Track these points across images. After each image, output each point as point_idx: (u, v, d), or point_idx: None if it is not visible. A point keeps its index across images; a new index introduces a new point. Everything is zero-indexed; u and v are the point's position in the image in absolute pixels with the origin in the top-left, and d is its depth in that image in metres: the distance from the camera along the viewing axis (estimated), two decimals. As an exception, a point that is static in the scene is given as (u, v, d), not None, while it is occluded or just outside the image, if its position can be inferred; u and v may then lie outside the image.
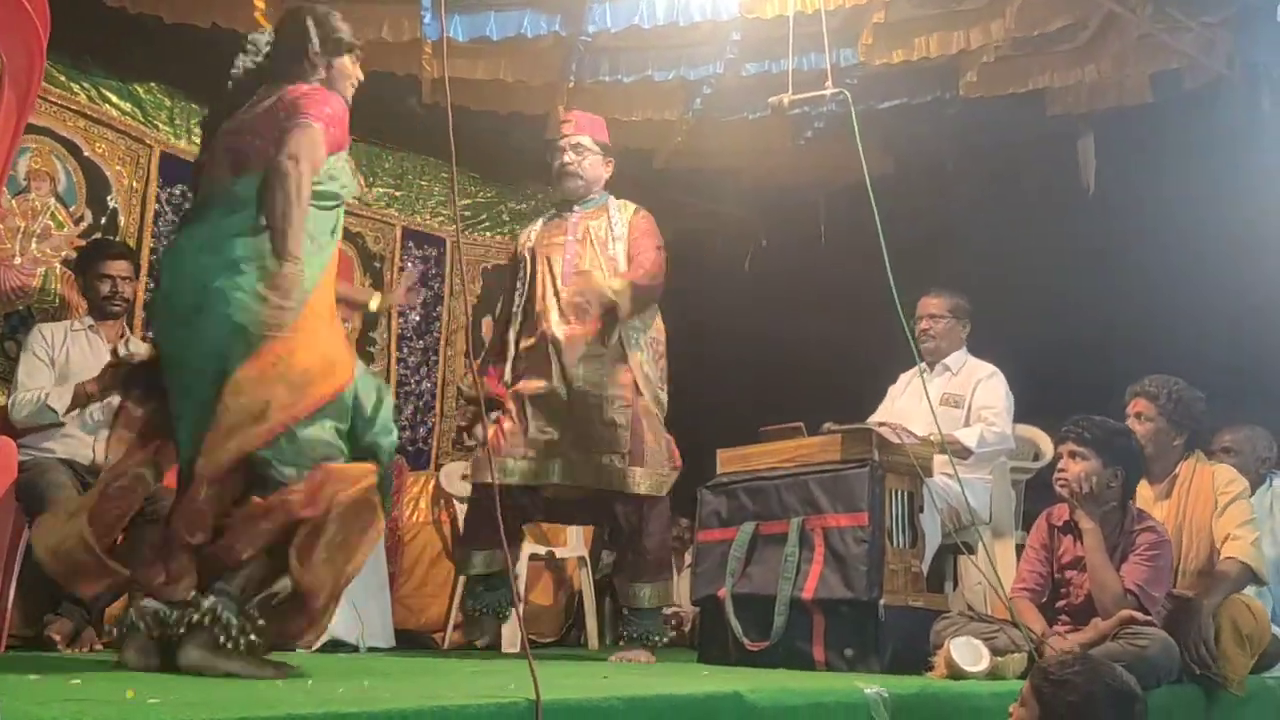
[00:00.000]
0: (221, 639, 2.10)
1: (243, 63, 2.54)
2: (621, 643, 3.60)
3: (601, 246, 3.56)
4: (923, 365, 3.85)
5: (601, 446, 3.38)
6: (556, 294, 3.52)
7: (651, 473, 3.41)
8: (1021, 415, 3.98)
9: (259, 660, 2.15)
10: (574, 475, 3.41)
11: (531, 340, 3.52)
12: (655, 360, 3.57)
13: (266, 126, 2.37)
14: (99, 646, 3.44)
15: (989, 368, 3.92)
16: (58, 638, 3.19)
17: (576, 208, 3.63)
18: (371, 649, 3.88)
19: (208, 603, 2.13)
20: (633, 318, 3.48)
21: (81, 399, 3.50)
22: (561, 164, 3.62)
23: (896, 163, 5.42)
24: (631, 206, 3.70)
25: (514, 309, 3.61)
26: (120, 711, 1.47)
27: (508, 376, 3.55)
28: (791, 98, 3.49)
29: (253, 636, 2.13)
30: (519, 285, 3.63)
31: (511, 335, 3.58)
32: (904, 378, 4.08)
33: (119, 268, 3.74)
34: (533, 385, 3.45)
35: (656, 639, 3.50)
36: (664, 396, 3.57)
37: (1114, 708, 2.07)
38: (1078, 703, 2.05)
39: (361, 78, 2.63)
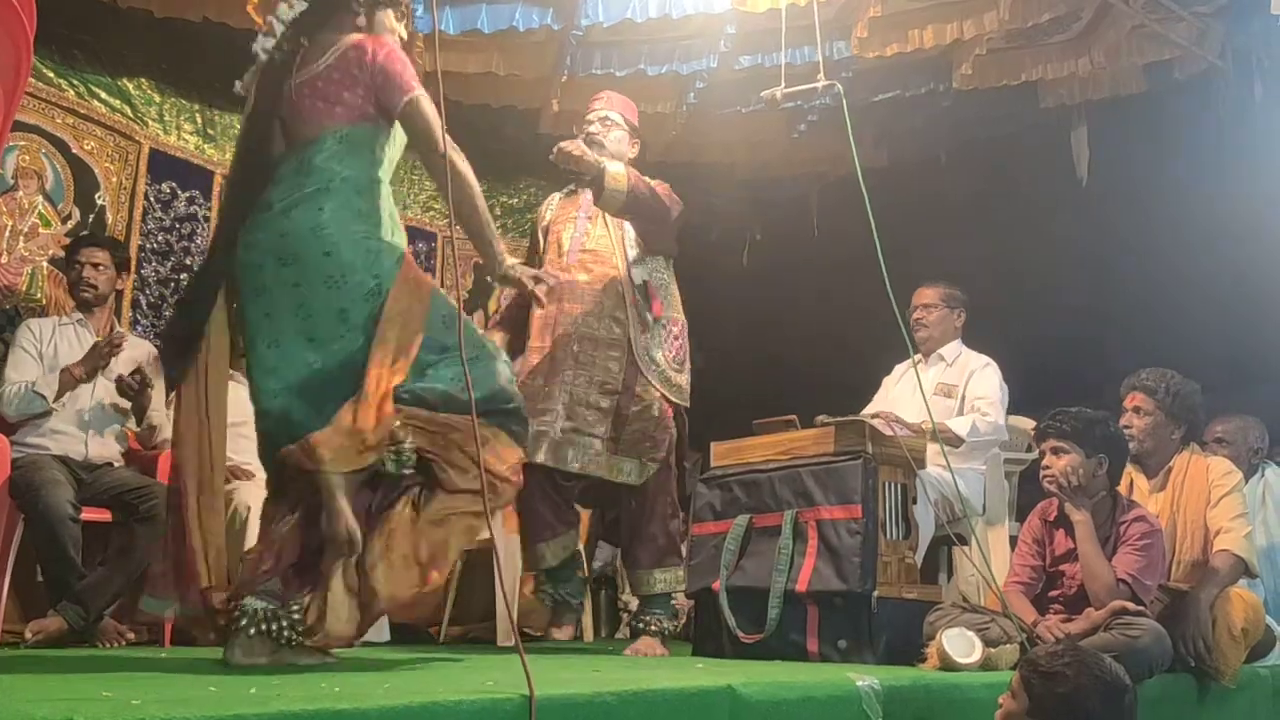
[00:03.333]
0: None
1: (263, 44, 2.53)
2: (630, 634, 3.53)
3: (617, 222, 3.47)
4: (917, 356, 3.86)
5: (593, 431, 3.33)
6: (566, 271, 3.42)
7: (631, 460, 3.35)
8: (1015, 406, 3.98)
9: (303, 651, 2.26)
10: (580, 461, 3.34)
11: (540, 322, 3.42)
12: (669, 340, 3.46)
13: (346, 78, 2.44)
14: (130, 637, 3.43)
15: (983, 359, 3.92)
16: (29, 635, 3.18)
17: None
18: (366, 643, 3.87)
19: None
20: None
21: (69, 384, 3.49)
22: (587, 134, 3.52)
23: (890, 155, 5.43)
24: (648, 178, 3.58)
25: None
26: (112, 710, 1.46)
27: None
28: (784, 91, 3.48)
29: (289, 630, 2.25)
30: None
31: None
32: (899, 368, 4.08)
33: (90, 254, 3.72)
34: (543, 370, 3.37)
35: (669, 628, 3.44)
36: (680, 379, 3.46)
37: (1103, 699, 2.08)
38: (1067, 694, 2.06)
39: (405, 36, 2.68)
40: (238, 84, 2.63)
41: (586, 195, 3.50)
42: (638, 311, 3.42)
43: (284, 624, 2.26)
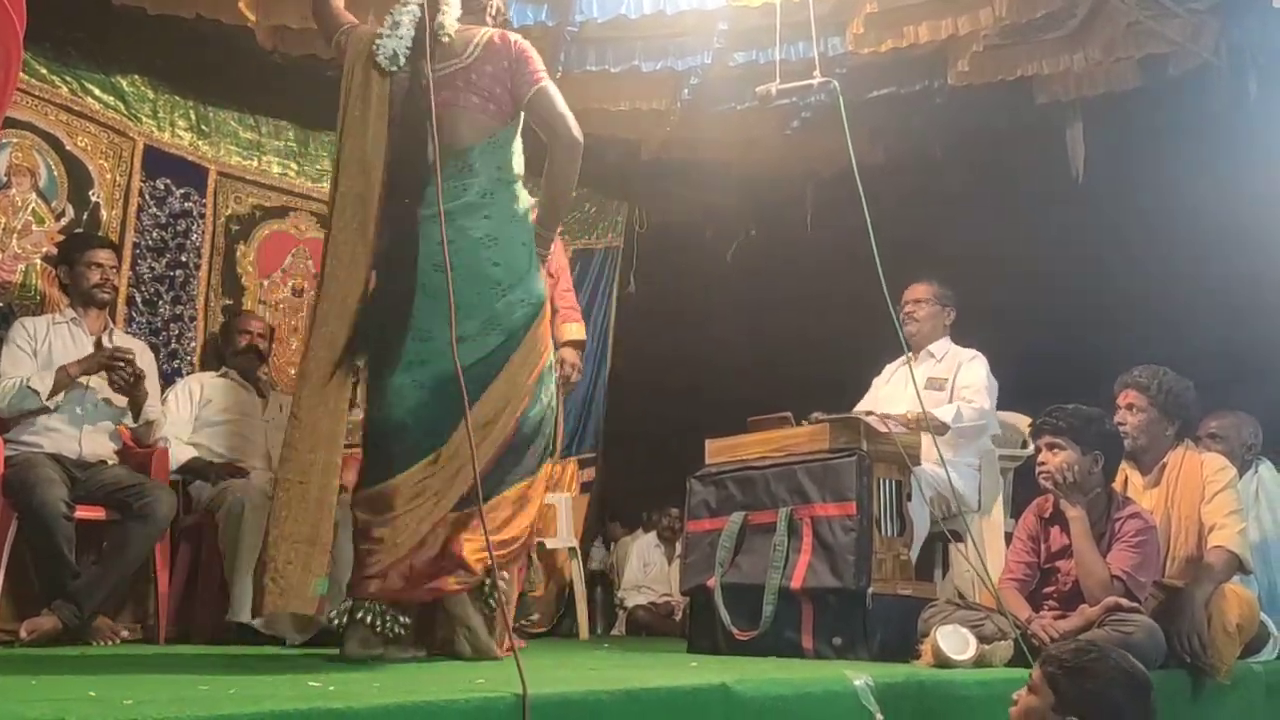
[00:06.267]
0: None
1: (394, 46, 2.62)
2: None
3: None
4: (909, 355, 3.88)
5: None
6: None
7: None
8: (1010, 403, 4.00)
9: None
10: None
11: None
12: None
13: (499, 71, 2.61)
14: (124, 636, 3.42)
15: (971, 351, 3.98)
16: (24, 634, 3.16)
17: None
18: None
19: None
20: None
21: (64, 383, 3.48)
22: None
23: (885, 152, 5.42)
24: None
25: None
26: (104, 709, 1.46)
27: None
28: (780, 87, 3.47)
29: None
30: None
31: None
32: (889, 368, 4.12)
33: (105, 256, 3.74)
34: None
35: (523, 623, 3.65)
36: None
37: (1131, 694, 2.05)
38: (1096, 690, 2.03)
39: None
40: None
41: None
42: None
43: (392, 620, 2.46)
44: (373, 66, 2.60)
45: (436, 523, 2.50)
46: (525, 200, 2.69)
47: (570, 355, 3.56)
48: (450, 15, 2.63)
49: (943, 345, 4.02)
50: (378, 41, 2.61)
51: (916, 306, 4.02)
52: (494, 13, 2.80)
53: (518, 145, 2.69)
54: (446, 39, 2.61)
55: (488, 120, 2.62)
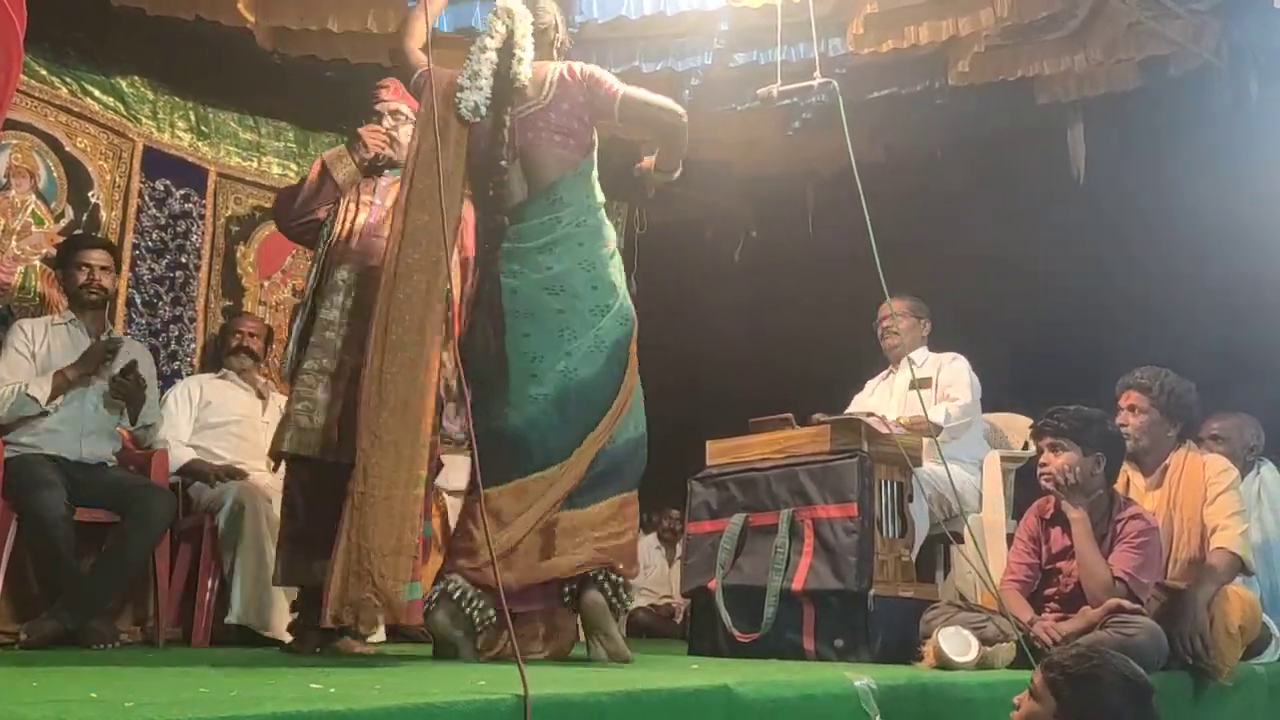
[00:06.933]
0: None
1: (475, 99, 2.73)
2: None
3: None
4: (901, 359, 3.96)
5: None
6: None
7: None
8: (1010, 403, 4.00)
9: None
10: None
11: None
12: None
13: (575, 106, 2.76)
14: (124, 639, 3.42)
15: (951, 354, 4.06)
16: (23, 637, 3.15)
17: (386, 172, 3.29)
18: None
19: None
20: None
21: (62, 386, 3.47)
22: (385, 129, 3.27)
23: (886, 152, 5.42)
24: None
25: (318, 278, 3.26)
26: (103, 711, 1.46)
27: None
28: (780, 88, 3.47)
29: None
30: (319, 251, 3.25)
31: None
32: (870, 384, 4.21)
33: (95, 257, 3.72)
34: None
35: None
36: None
37: (1133, 700, 2.05)
38: (1097, 697, 2.03)
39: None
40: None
41: (384, 181, 3.28)
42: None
43: (477, 602, 2.58)
44: (454, 115, 2.73)
45: (536, 527, 2.65)
46: (611, 231, 2.86)
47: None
48: (525, 64, 2.75)
49: (921, 353, 4.12)
50: (459, 95, 2.73)
51: (894, 322, 4.10)
52: (559, 45, 2.92)
53: (595, 171, 2.85)
54: (522, 87, 2.75)
55: (569, 154, 2.76)
